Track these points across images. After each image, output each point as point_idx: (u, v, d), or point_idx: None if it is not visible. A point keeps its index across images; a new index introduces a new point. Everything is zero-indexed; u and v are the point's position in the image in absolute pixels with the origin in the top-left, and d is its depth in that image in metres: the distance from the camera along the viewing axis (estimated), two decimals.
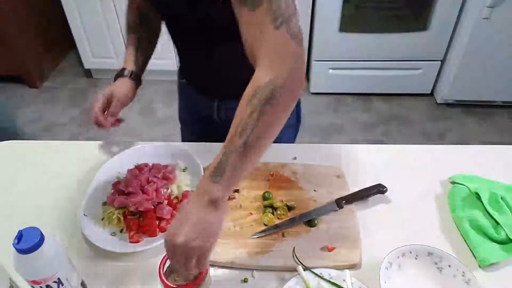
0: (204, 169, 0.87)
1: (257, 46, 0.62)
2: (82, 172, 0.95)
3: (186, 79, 1.07)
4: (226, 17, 0.67)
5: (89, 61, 2.75)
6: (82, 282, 0.70)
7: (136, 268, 0.75)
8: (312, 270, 0.71)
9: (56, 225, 0.84)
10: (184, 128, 1.24)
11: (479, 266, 0.74)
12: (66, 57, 3.12)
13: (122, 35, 2.57)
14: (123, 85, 0.96)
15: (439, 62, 2.46)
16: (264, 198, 0.86)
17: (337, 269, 0.71)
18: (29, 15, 2.68)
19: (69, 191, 0.91)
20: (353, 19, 2.32)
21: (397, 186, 0.88)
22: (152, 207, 0.81)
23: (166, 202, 0.84)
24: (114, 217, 0.82)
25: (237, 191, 0.89)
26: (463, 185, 0.87)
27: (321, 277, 0.70)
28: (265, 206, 0.84)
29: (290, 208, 0.84)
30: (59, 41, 2.98)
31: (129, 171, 0.90)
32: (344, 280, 0.69)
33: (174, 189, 0.87)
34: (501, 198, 0.83)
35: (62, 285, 0.63)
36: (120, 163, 0.94)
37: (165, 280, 0.63)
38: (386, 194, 0.87)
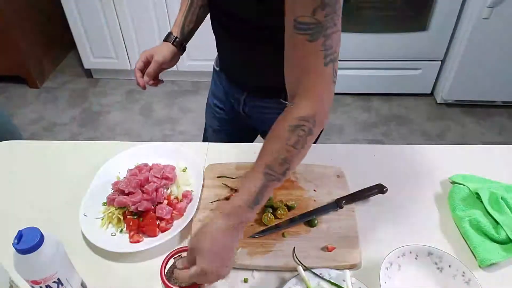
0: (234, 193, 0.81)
1: (303, 75, 0.64)
2: (82, 172, 0.95)
3: (222, 69, 1.05)
4: (281, 28, 0.66)
5: (89, 61, 2.75)
6: (82, 282, 0.70)
7: (136, 268, 0.75)
8: (312, 270, 0.71)
9: (56, 225, 0.84)
10: (208, 114, 1.21)
11: (479, 266, 0.74)
12: (66, 57, 3.12)
13: (122, 35, 2.57)
14: (165, 48, 0.96)
15: (439, 62, 2.46)
16: None
17: (337, 269, 0.71)
18: (30, 15, 2.68)
19: (69, 191, 0.91)
20: (353, 19, 2.32)
21: (397, 186, 0.88)
22: (152, 207, 0.82)
23: (166, 202, 0.84)
24: (114, 217, 0.82)
25: (237, 191, 0.88)
26: (463, 185, 0.87)
27: (321, 277, 0.70)
28: (265, 206, 0.84)
29: (290, 208, 0.84)
30: (59, 41, 2.98)
31: (129, 171, 0.90)
32: (344, 280, 0.69)
33: (174, 189, 0.87)
34: (501, 198, 0.83)
35: (62, 285, 0.63)
36: (120, 163, 0.94)
37: (167, 282, 0.63)
38: (386, 194, 0.87)
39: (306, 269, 0.71)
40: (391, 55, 2.44)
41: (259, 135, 1.21)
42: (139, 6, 2.42)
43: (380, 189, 0.86)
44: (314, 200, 0.86)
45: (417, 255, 0.72)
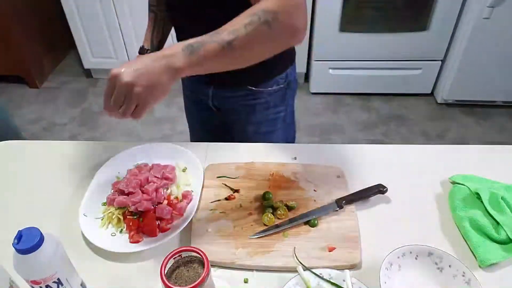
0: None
1: None
2: (82, 172, 0.95)
3: None
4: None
5: (89, 61, 2.75)
6: (82, 283, 0.70)
7: (136, 269, 0.75)
8: (312, 270, 0.71)
9: (56, 225, 0.84)
10: (188, 116, 1.27)
11: (480, 266, 0.74)
12: (66, 57, 3.12)
13: (122, 35, 2.57)
14: None
15: (439, 62, 2.46)
16: (264, 198, 0.86)
17: (337, 269, 0.71)
18: (29, 15, 2.68)
19: (69, 191, 0.91)
20: (353, 19, 2.32)
21: (397, 186, 0.88)
22: (152, 207, 0.81)
23: (166, 202, 0.84)
24: (114, 217, 0.82)
25: (237, 191, 0.89)
26: (463, 185, 0.87)
27: (321, 277, 0.70)
28: (265, 206, 0.84)
29: (290, 208, 0.84)
30: (59, 41, 2.98)
31: (129, 171, 0.90)
32: (344, 280, 0.68)
33: (174, 189, 0.87)
34: (502, 198, 0.83)
35: (62, 285, 0.63)
36: (120, 163, 0.94)
37: (167, 282, 0.62)
38: (386, 194, 0.87)
39: (306, 269, 0.71)
40: (391, 55, 2.44)
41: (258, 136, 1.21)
42: (138, 6, 2.42)
43: (380, 189, 0.86)
44: (314, 200, 0.86)
45: (417, 255, 0.72)
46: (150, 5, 1.06)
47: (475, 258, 0.75)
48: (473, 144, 1.09)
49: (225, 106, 1.07)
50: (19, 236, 0.57)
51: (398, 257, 0.71)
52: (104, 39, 2.61)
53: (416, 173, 0.94)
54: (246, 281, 0.73)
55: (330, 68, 2.53)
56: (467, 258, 0.75)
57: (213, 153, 1.00)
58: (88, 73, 2.89)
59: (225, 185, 0.90)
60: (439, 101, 2.57)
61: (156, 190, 0.84)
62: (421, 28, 2.31)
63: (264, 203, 0.85)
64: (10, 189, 0.93)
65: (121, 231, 0.81)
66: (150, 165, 0.92)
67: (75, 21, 2.55)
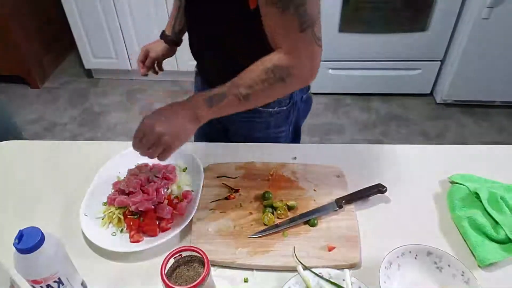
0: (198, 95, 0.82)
1: (282, 42, 0.71)
2: (82, 172, 0.95)
3: (197, 69, 1.12)
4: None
5: (89, 61, 2.75)
6: (83, 282, 0.70)
7: (136, 268, 0.76)
8: (312, 269, 0.71)
9: (56, 225, 0.84)
10: None
11: (479, 266, 0.74)
12: (66, 57, 3.12)
13: (123, 35, 2.57)
14: (159, 46, 1.13)
15: (439, 62, 2.46)
16: (264, 198, 0.86)
17: (337, 268, 0.71)
18: (30, 15, 2.69)
19: (69, 191, 0.91)
20: (353, 19, 2.32)
21: (397, 186, 0.89)
22: (152, 207, 0.82)
23: (166, 202, 0.84)
24: (114, 217, 0.82)
25: (237, 191, 0.89)
26: (463, 184, 0.87)
27: (321, 277, 0.70)
28: (265, 206, 0.84)
29: (290, 208, 0.84)
30: (59, 41, 2.98)
31: (129, 171, 0.91)
32: (343, 280, 0.69)
33: (174, 189, 0.88)
34: (501, 197, 0.83)
35: (63, 284, 0.63)
36: (120, 163, 0.94)
37: (167, 282, 0.63)
38: (386, 194, 0.87)
39: (306, 268, 0.71)
40: (391, 55, 2.44)
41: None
42: (139, 6, 2.42)
43: (379, 189, 0.86)
44: (314, 200, 0.86)
45: (416, 255, 0.72)
46: None
47: (474, 257, 0.76)
48: (472, 144, 1.09)
49: (225, 119, 1.06)
50: (20, 236, 0.58)
51: (398, 257, 0.72)
52: (105, 39, 2.61)
53: (415, 173, 0.94)
54: (246, 281, 0.73)
55: (329, 68, 2.54)
56: (466, 257, 0.76)
57: (213, 153, 1.00)
58: (89, 73, 2.90)
59: (225, 185, 0.90)
60: (438, 101, 2.57)
61: (157, 190, 0.84)
62: (420, 29, 2.32)
63: (264, 203, 0.85)
64: (10, 189, 0.94)
65: (121, 231, 0.81)
66: (150, 165, 0.92)
67: (76, 21, 2.55)
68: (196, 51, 1.00)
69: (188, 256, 0.67)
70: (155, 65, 1.17)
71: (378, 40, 2.37)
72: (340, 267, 0.72)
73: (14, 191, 0.93)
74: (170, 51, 1.15)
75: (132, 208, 0.81)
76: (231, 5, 0.78)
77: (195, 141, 1.29)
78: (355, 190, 0.87)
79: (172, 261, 0.67)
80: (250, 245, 0.77)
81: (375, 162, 0.97)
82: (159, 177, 0.87)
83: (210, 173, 0.93)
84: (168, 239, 0.77)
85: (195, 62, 1.06)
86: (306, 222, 0.81)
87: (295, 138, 1.15)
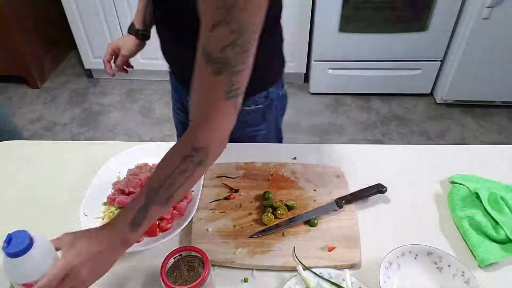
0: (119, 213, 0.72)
1: (204, 105, 0.62)
2: (82, 172, 0.95)
3: (170, 68, 1.08)
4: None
5: (89, 61, 2.75)
6: None
7: (136, 268, 0.76)
8: (312, 270, 0.71)
9: (56, 225, 0.84)
10: (174, 119, 1.25)
11: (479, 266, 0.74)
12: (66, 57, 3.12)
13: (122, 35, 2.57)
14: (130, 42, 1.06)
15: (439, 62, 2.46)
16: (264, 198, 0.86)
17: (337, 269, 0.71)
18: (30, 15, 2.68)
19: (69, 191, 0.91)
20: (353, 19, 2.32)
21: (397, 186, 0.89)
22: None
23: None
24: None
25: (237, 191, 0.89)
26: (463, 185, 0.87)
27: (321, 277, 0.70)
28: (265, 206, 0.84)
29: (290, 208, 0.84)
30: (59, 41, 2.98)
31: (129, 171, 0.91)
32: (344, 280, 0.69)
33: None
34: (501, 198, 0.83)
35: None
36: (120, 163, 0.94)
37: (167, 282, 0.63)
38: (386, 194, 0.87)
39: (306, 268, 0.71)
40: (391, 55, 2.44)
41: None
42: None
43: (379, 189, 0.86)
44: (314, 200, 0.86)
45: (416, 255, 0.72)
46: None
47: (474, 257, 0.76)
48: (472, 144, 1.09)
49: None
50: (9, 239, 0.57)
51: (398, 257, 0.72)
52: (105, 39, 2.61)
53: (415, 173, 0.94)
54: (246, 281, 0.73)
55: (329, 68, 2.54)
56: (466, 257, 0.76)
57: None
58: (88, 73, 2.89)
59: (225, 185, 0.90)
60: (438, 101, 2.57)
61: None
62: (420, 29, 2.31)
63: (264, 203, 0.85)
64: (10, 189, 0.94)
65: None
66: (150, 165, 0.92)
67: (76, 21, 2.55)
68: (167, 51, 0.98)
69: (188, 256, 0.67)
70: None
71: (378, 40, 2.37)
72: (340, 267, 0.72)
73: (14, 191, 0.93)
74: (141, 45, 1.08)
75: None
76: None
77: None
78: (355, 190, 0.87)
79: (172, 261, 0.67)
80: (250, 245, 0.77)
81: (375, 162, 0.97)
82: None
83: (210, 173, 0.93)
84: (168, 239, 0.77)
85: None
86: (306, 222, 0.81)
87: (279, 137, 1.14)
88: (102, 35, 2.59)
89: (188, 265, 0.67)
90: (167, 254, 0.67)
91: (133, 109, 2.58)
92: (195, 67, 0.61)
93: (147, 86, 2.73)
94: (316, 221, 0.81)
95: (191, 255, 0.67)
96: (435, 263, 0.72)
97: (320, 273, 0.71)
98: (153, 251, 0.76)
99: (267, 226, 0.81)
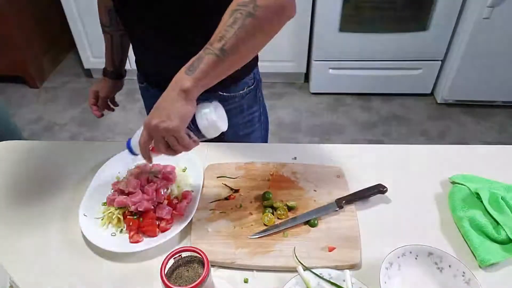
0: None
1: None
2: (82, 172, 0.95)
3: (146, 81, 1.11)
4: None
5: (89, 61, 2.75)
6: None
7: (136, 269, 0.75)
8: (312, 270, 0.71)
9: (56, 225, 0.84)
10: None
11: (479, 266, 0.74)
12: (66, 57, 3.12)
13: None
14: (105, 84, 1.14)
15: (439, 62, 2.46)
16: (264, 198, 0.86)
17: (337, 269, 0.71)
18: (29, 15, 2.69)
19: (69, 191, 0.91)
20: (353, 19, 2.32)
21: (397, 186, 0.88)
22: (152, 207, 0.81)
23: (166, 202, 0.84)
24: (114, 217, 0.82)
25: (237, 191, 0.89)
26: (463, 185, 0.87)
27: (321, 277, 0.70)
28: (265, 206, 0.84)
29: (290, 208, 0.84)
30: (59, 41, 2.98)
31: (129, 171, 0.90)
32: (344, 280, 0.69)
33: (174, 189, 0.87)
34: (501, 198, 0.83)
35: None
36: (120, 163, 0.94)
37: (167, 282, 0.62)
38: (386, 194, 0.87)
39: (306, 269, 0.71)
40: (391, 55, 2.44)
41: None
42: None
43: (380, 189, 0.86)
44: (314, 200, 0.86)
45: (417, 255, 0.72)
46: (103, 27, 1.09)
47: (475, 258, 0.75)
48: (473, 144, 1.09)
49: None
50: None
51: (398, 257, 0.71)
52: None
53: (416, 173, 0.94)
54: (246, 281, 0.73)
55: (330, 68, 2.54)
56: (467, 258, 0.75)
57: (213, 153, 1.00)
58: (88, 73, 2.90)
59: (225, 185, 0.90)
60: (439, 101, 2.57)
61: (156, 190, 0.84)
62: (421, 28, 2.31)
63: (264, 203, 0.85)
64: (10, 189, 0.93)
65: (121, 231, 0.81)
66: (150, 165, 0.92)
67: (75, 21, 2.55)
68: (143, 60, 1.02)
69: (188, 256, 0.67)
70: (108, 102, 1.18)
71: (378, 39, 2.37)
72: (340, 268, 0.72)
73: (14, 192, 0.93)
74: (118, 85, 1.17)
75: (132, 208, 0.80)
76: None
77: None
78: (355, 190, 0.87)
79: (171, 261, 0.67)
80: (250, 245, 0.77)
81: (376, 162, 0.97)
82: (159, 177, 0.87)
83: (210, 173, 0.93)
84: (167, 239, 0.77)
85: None
86: (307, 223, 0.81)
87: (266, 119, 1.18)
88: (101, 35, 2.58)
89: (188, 266, 0.67)
90: (167, 254, 0.66)
91: (133, 109, 2.58)
92: None
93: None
94: (316, 222, 0.81)
95: (191, 256, 0.67)
96: (436, 263, 0.72)
97: (320, 274, 0.70)
98: (153, 251, 0.76)
99: (267, 227, 0.80)
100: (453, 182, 0.90)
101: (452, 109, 2.54)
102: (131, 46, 1.07)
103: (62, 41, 2.99)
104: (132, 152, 0.78)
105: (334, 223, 0.81)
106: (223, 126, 0.73)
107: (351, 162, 0.96)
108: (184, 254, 0.67)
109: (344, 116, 2.52)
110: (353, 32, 2.36)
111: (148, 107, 1.20)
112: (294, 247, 0.76)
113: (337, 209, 0.83)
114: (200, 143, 1.04)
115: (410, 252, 0.72)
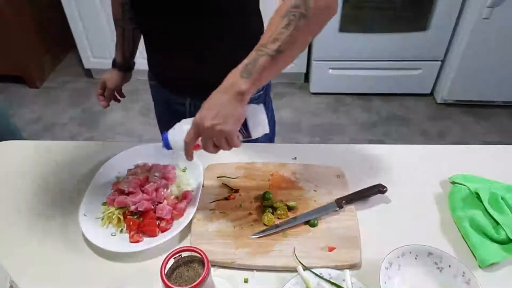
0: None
1: None
2: (82, 172, 0.95)
3: (157, 80, 1.11)
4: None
5: (89, 61, 2.75)
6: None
7: (136, 269, 0.75)
8: (312, 270, 0.71)
9: (55, 225, 0.84)
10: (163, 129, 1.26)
11: (479, 266, 0.74)
12: (66, 57, 3.12)
13: None
14: (114, 76, 1.15)
15: (439, 62, 2.46)
16: (264, 198, 0.86)
17: (337, 269, 0.71)
18: (30, 15, 2.68)
19: (69, 191, 0.91)
20: (353, 19, 2.32)
21: (397, 186, 0.88)
22: (152, 207, 0.82)
23: (166, 202, 0.84)
24: (114, 217, 0.82)
25: (237, 191, 0.89)
26: (463, 185, 0.87)
27: (321, 277, 0.70)
28: (265, 206, 0.84)
29: (290, 208, 0.84)
30: (59, 41, 2.98)
31: (129, 171, 0.90)
32: (344, 280, 0.69)
33: (174, 189, 0.87)
34: (501, 198, 0.83)
35: None
36: (120, 163, 0.94)
37: (167, 282, 0.62)
38: (386, 194, 0.87)
39: (306, 269, 0.71)
40: (391, 55, 2.44)
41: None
42: None
43: (380, 189, 0.86)
44: (314, 200, 0.86)
45: (417, 255, 0.72)
46: (115, 21, 1.10)
47: (475, 258, 0.75)
48: (473, 144, 1.09)
49: None
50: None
51: (398, 257, 0.71)
52: (104, 39, 2.61)
53: (416, 173, 0.94)
54: (246, 281, 0.73)
55: (330, 68, 2.54)
56: (466, 258, 0.75)
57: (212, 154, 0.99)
58: (88, 73, 2.89)
59: (225, 185, 0.90)
60: (439, 101, 2.57)
61: (156, 190, 0.84)
62: (421, 28, 2.31)
63: (264, 203, 0.85)
64: (10, 189, 0.93)
65: (121, 231, 0.81)
66: (150, 165, 0.92)
67: (75, 21, 2.55)
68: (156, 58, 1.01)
69: (188, 256, 0.67)
70: (116, 93, 1.19)
71: (378, 40, 2.37)
72: (340, 268, 0.72)
73: (13, 191, 0.93)
74: (126, 77, 1.18)
75: (132, 208, 0.81)
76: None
77: None
78: (355, 190, 0.87)
79: (172, 261, 0.67)
80: (250, 245, 0.77)
81: (376, 162, 0.97)
82: (159, 177, 0.87)
83: (210, 173, 0.93)
84: (167, 239, 0.77)
85: None
86: (307, 223, 0.81)
87: (273, 123, 1.18)
88: (101, 35, 2.59)
89: (188, 266, 0.67)
90: (167, 254, 0.66)
91: (133, 109, 2.58)
92: None
93: (147, 86, 2.73)
94: (316, 221, 0.81)
95: (191, 256, 0.67)
96: (436, 263, 0.72)
97: (320, 274, 0.70)
98: (153, 251, 0.76)
99: (267, 227, 0.81)
100: (453, 182, 0.90)
101: (452, 109, 2.54)
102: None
103: (62, 41, 2.98)
104: (168, 146, 0.77)
105: (334, 223, 0.81)
106: (268, 128, 0.75)
107: (351, 162, 0.96)
108: (184, 254, 0.67)
109: (344, 116, 2.52)
110: (353, 32, 2.36)
111: (158, 105, 1.19)
112: (294, 247, 0.76)
113: (337, 209, 0.83)
114: None
115: (410, 252, 0.72)
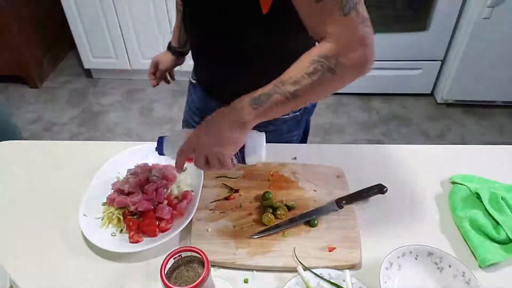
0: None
1: (324, 30, 0.65)
2: (82, 172, 0.95)
3: (196, 79, 1.10)
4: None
5: (89, 61, 2.75)
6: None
7: (136, 269, 0.75)
8: (312, 270, 0.71)
9: (56, 225, 0.84)
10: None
11: (479, 266, 0.74)
12: (66, 57, 3.12)
13: (122, 35, 2.57)
14: (167, 58, 1.16)
15: (439, 62, 2.46)
16: (264, 198, 0.86)
17: (337, 269, 0.71)
18: (29, 15, 2.68)
19: (69, 191, 0.91)
20: None
21: (397, 186, 0.88)
22: (152, 207, 0.81)
23: (166, 202, 0.84)
24: (114, 217, 0.82)
25: (237, 191, 0.89)
26: (464, 185, 0.87)
27: (321, 277, 0.70)
28: (265, 206, 0.84)
29: (290, 208, 0.84)
30: (59, 41, 2.98)
31: (129, 171, 0.90)
32: (344, 280, 0.69)
33: (174, 189, 0.87)
34: (502, 198, 0.83)
35: None
36: (120, 163, 0.93)
37: (167, 282, 0.62)
38: (386, 194, 0.86)
39: (306, 269, 0.71)
40: (391, 55, 2.44)
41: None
42: (139, 5, 2.42)
43: (380, 189, 0.86)
44: (314, 200, 0.86)
45: (417, 255, 0.72)
46: (177, 4, 1.10)
47: (475, 258, 0.75)
48: (473, 144, 1.09)
49: None
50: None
51: (398, 257, 0.71)
52: (104, 39, 2.61)
53: (416, 173, 0.94)
54: (246, 281, 0.73)
55: None
56: (467, 258, 0.75)
57: None
58: (88, 73, 2.89)
59: (225, 185, 0.90)
60: (439, 101, 2.57)
61: (156, 190, 0.84)
62: (421, 28, 2.31)
63: (264, 203, 0.85)
64: (10, 189, 0.93)
65: (121, 231, 0.81)
66: (150, 165, 0.92)
67: (75, 21, 2.55)
68: (204, 66, 1.00)
69: (188, 256, 0.67)
70: (167, 75, 1.20)
71: (378, 39, 2.34)
72: (340, 268, 0.72)
73: (13, 191, 0.93)
74: (179, 61, 1.18)
75: (132, 208, 0.80)
76: (240, 13, 0.77)
77: None
78: (355, 190, 0.87)
79: (171, 261, 0.66)
80: (250, 245, 0.77)
81: (376, 162, 0.97)
82: (159, 177, 0.87)
83: (210, 173, 0.93)
84: (167, 239, 0.77)
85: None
86: (306, 223, 0.81)
87: (304, 137, 1.17)
88: (101, 35, 2.59)
89: (188, 266, 0.66)
90: (167, 254, 0.66)
91: (133, 109, 2.58)
92: (301, 12, 0.66)
93: (147, 86, 2.73)
94: (316, 222, 0.81)
95: (191, 256, 0.67)
96: (436, 263, 0.72)
97: (320, 274, 0.70)
98: (153, 251, 0.76)
99: (267, 227, 0.80)
100: (453, 182, 0.90)
101: (452, 109, 2.54)
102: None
103: (62, 41, 2.98)
104: (160, 152, 0.77)
105: (334, 223, 0.81)
106: (264, 157, 0.75)
107: (351, 162, 0.96)
108: (184, 254, 0.67)
109: (344, 116, 2.52)
110: None
111: (191, 103, 1.17)
112: (294, 247, 0.76)
113: (337, 209, 0.83)
114: None
115: (410, 252, 0.72)
